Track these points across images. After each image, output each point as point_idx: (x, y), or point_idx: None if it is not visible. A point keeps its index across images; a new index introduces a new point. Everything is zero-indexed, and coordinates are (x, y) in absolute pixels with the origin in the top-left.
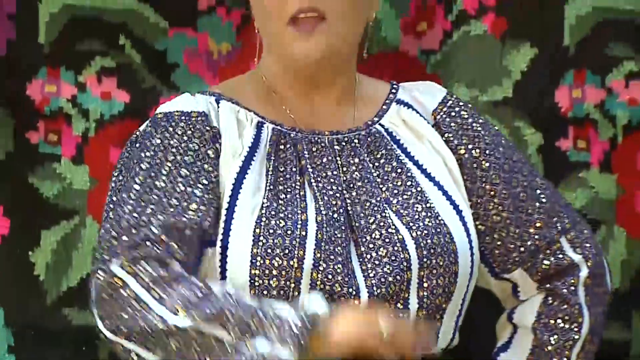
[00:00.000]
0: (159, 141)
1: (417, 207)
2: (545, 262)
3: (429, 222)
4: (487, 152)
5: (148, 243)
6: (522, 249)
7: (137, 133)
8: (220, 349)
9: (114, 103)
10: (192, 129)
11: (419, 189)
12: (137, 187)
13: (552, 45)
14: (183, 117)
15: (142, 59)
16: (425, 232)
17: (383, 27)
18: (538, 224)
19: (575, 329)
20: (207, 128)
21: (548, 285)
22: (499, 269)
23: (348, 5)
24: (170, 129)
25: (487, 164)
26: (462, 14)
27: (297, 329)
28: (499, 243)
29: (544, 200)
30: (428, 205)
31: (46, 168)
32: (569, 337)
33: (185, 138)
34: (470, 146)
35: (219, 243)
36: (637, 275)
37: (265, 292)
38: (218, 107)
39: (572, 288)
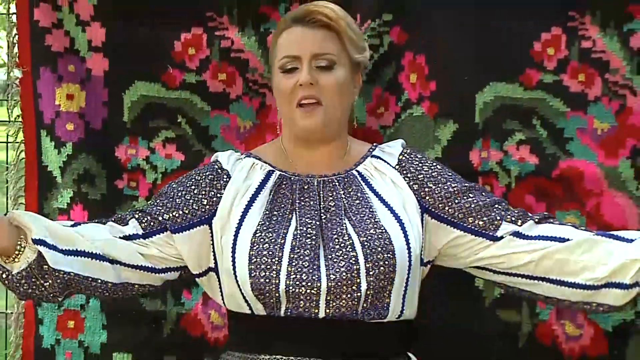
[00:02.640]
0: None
1: (367, 221)
2: (517, 211)
3: (373, 231)
4: (442, 173)
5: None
6: (493, 207)
7: None
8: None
9: (174, 161)
10: (207, 170)
11: (372, 209)
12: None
13: (467, 122)
14: (210, 163)
15: (193, 132)
16: (370, 237)
17: (355, 111)
18: (495, 198)
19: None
20: (213, 169)
21: (538, 218)
22: (492, 233)
23: (336, 95)
24: (200, 167)
25: (440, 177)
26: (407, 101)
27: None
28: (475, 211)
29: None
30: (375, 220)
31: (128, 205)
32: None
33: (198, 172)
34: (429, 171)
35: (229, 250)
36: None
37: (257, 280)
38: (243, 160)
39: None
